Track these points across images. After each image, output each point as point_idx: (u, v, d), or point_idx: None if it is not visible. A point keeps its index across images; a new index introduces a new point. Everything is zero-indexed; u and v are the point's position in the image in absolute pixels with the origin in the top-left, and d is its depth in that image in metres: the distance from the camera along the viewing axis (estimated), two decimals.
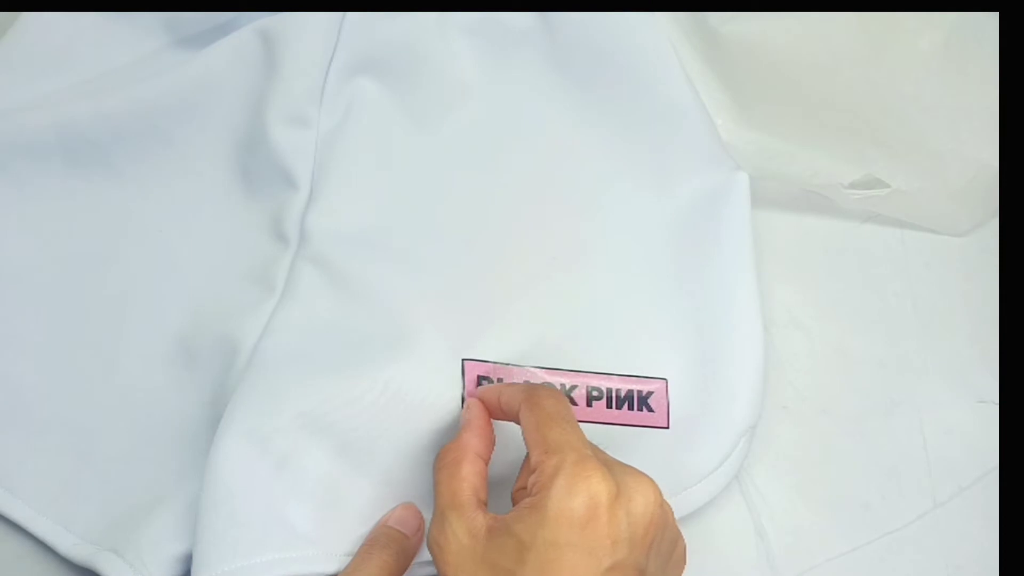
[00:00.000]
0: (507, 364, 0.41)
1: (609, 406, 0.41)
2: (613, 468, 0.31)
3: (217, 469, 0.36)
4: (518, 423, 0.34)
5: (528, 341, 0.42)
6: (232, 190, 0.45)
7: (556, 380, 0.41)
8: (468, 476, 0.33)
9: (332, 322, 0.41)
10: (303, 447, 0.37)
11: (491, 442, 0.36)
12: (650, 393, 0.41)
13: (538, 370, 0.41)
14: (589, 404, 0.41)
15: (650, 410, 0.41)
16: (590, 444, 0.33)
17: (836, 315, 0.46)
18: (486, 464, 0.35)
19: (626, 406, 0.41)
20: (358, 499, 0.38)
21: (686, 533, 0.34)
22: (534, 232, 0.45)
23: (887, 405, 0.44)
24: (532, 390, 0.35)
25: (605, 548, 0.29)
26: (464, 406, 0.38)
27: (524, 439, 0.33)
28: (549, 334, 0.42)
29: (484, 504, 0.34)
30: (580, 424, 0.37)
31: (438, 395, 0.39)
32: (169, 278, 0.44)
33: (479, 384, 0.40)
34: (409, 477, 0.38)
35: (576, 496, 0.30)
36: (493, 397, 0.37)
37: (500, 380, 0.40)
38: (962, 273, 0.47)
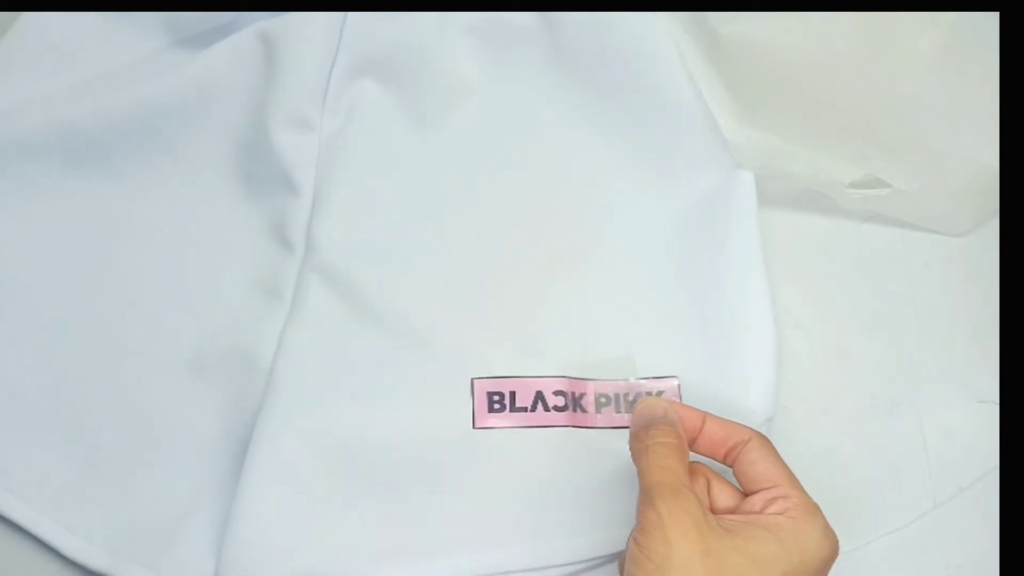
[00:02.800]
0: (515, 377, 0.41)
1: (618, 411, 0.41)
2: None
3: (245, 502, 0.37)
4: (705, 453, 0.35)
5: (537, 347, 0.42)
6: (233, 192, 0.45)
7: (567, 389, 0.41)
8: (687, 467, 0.33)
9: (343, 340, 0.41)
10: (327, 480, 0.38)
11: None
12: (661, 392, 0.41)
13: (545, 379, 0.41)
14: (598, 411, 0.41)
15: None
16: None
17: (836, 315, 0.46)
18: None
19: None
20: (377, 529, 0.38)
21: None
22: (538, 234, 0.45)
23: (887, 405, 0.44)
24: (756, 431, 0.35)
25: None
26: (659, 407, 0.35)
27: (744, 468, 0.34)
28: (556, 338, 0.42)
29: None
30: (590, 431, 0.39)
31: (450, 417, 0.40)
32: (170, 280, 0.44)
33: (489, 400, 0.40)
34: (428, 501, 0.39)
35: (832, 541, 0.33)
36: (694, 417, 0.35)
37: (513, 392, 0.40)
38: (962, 273, 0.47)
